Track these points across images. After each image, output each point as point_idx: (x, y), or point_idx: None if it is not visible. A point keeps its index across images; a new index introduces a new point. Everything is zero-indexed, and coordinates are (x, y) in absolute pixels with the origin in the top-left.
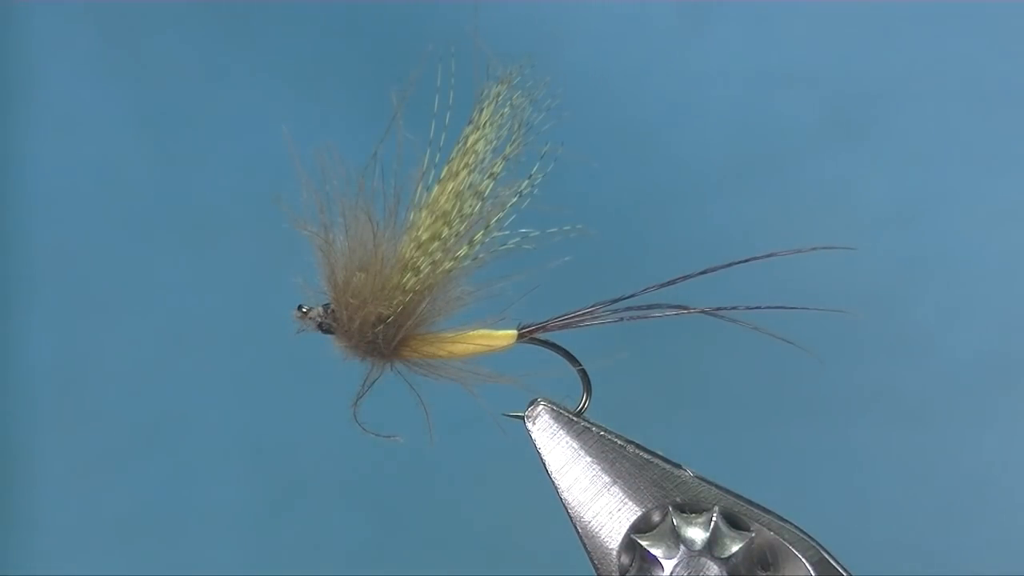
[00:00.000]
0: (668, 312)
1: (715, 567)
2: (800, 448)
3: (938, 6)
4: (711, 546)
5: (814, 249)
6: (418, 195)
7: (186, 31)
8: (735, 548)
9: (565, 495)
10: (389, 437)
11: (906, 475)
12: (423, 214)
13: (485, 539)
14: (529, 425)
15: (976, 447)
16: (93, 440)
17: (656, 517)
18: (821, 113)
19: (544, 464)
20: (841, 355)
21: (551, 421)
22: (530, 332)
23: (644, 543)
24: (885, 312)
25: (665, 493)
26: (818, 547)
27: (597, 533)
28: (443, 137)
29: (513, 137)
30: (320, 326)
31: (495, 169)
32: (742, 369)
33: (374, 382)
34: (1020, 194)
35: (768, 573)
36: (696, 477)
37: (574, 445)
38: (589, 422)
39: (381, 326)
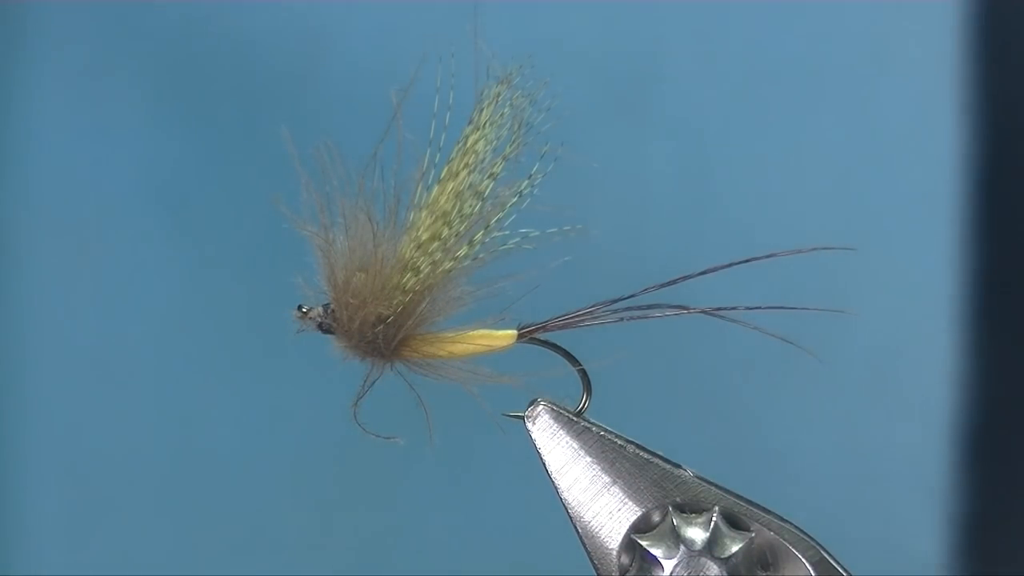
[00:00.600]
0: (668, 312)
1: (715, 567)
2: (735, 443)
3: None
4: (711, 546)
5: (814, 249)
6: (418, 195)
7: None
8: (735, 548)
9: (565, 495)
10: (389, 438)
11: (726, 464)
12: (423, 214)
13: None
14: (529, 425)
15: (772, 426)
16: (24, 433)
17: (656, 517)
18: (599, 91)
19: (544, 464)
20: (660, 346)
21: (551, 421)
22: (530, 332)
23: (644, 543)
24: (676, 289)
25: (665, 493)
26: (818, 547)
27: (597, 533)
28: (443, 137)
29: (513, 137)
30: (320, 326)
31: (495, 169)
32: (674, 362)
33: (374, 382)
34: (796, 167)
35: (768, 573)
36: (696, 477)
37: (574, 445)
38: (589, 422)
39: (381, 326)
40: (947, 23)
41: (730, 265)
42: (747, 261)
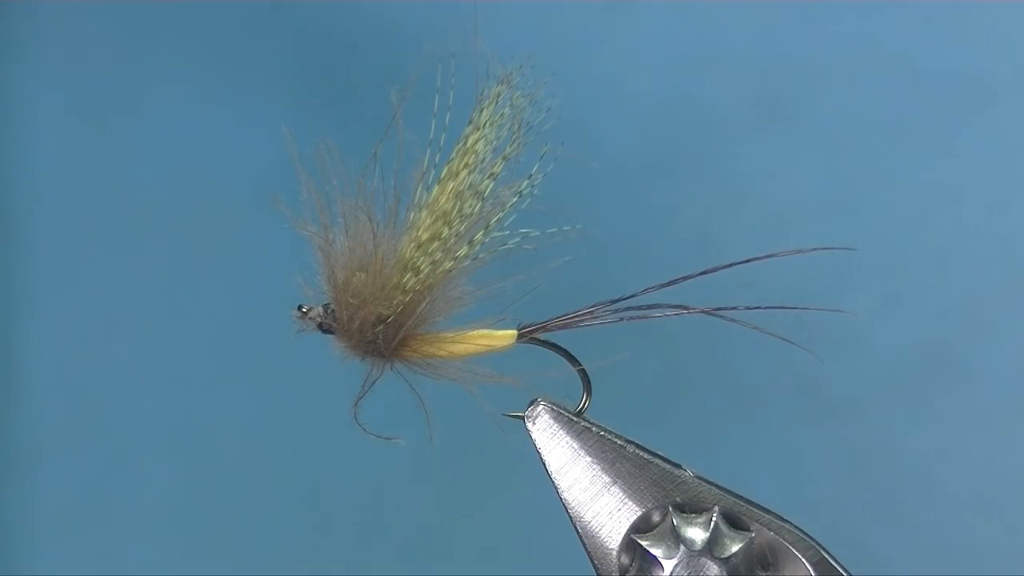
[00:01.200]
0: (668, 312)
1: (715, 567)
2: (734, 442)
3: None
4: (711, 546)
5: (814, 250)
6: (418, 195)
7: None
8: (735, 548)
9: (565, 495)
10: (390, 439)
11: (841, 470)
12: (423, 214)
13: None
14: (529, 425)
15: (909, 441)
16: (24, 429)
17: (656, 517)
18: (749, 98)
19: (544, 464)
20: (776, 348)
21: (551, 421)
22: (530, 332)
23: (644, 543)
24: (819, 302)
25: (665, 493)
26: (818, 547)
27: (597, 533)
28: (443, 137)
29: (513, 137)
30: (320, 326)
31: (495, 169)
32: (674, 362)
33: (374, 382)
34: (950, 181)
35: (768, 573)
36: (696, 477)
37: (574, 445)
38: (589, 422)
39: (381, 326)
40: None
41: (730, 265)
42: (747, 261)
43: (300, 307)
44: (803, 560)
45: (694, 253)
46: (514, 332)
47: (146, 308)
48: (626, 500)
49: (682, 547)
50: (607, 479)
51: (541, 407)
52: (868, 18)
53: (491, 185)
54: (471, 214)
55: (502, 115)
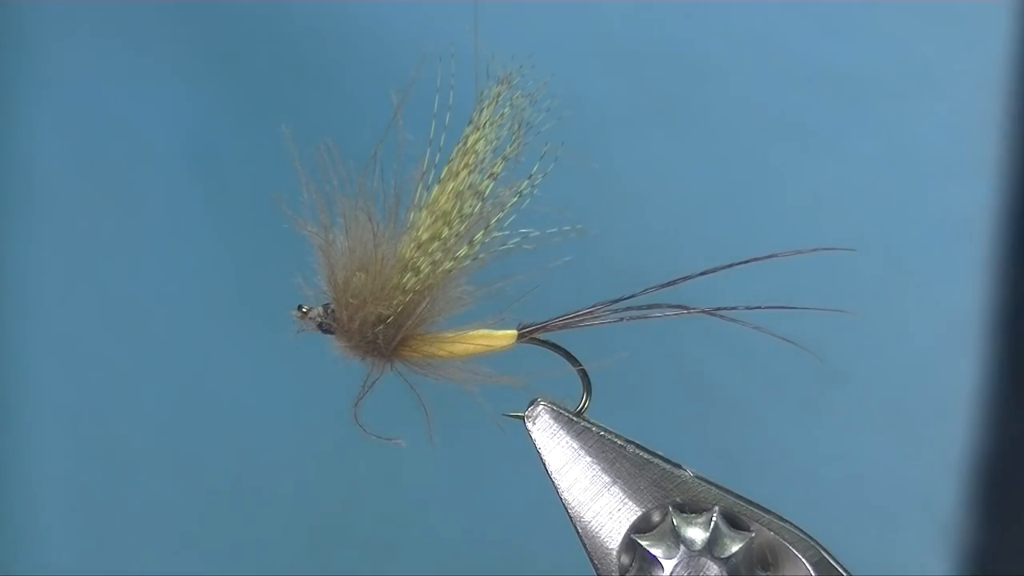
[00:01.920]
0: (668, 312)
1: (715, 567)
2: (630, 432)
3: None
4: (711, 546)
5: (815, 251)
6: (418, 195)
7: None
8: (735, 548)
9: (565, 495)
10: (391, 440)
11: (720, 466)
12: (423, 214)
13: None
14: (529, 425)
15: (789, 440)
16: (22, 428)
17: (656, 517)
18: (637, 92)
19: (544, 464)
20: (660, 346)
21: (551, 421)
22: (530, 332)
23: (644, 543)
24: (701, 300)
25: (665, 493)
26: (818, 547)
27: (597, 533)
28: (443, 137)
29: (513, 137)
30: (320, 326)
31: (495, 169)
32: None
33: (375, 383)
34: (835, 180)
35: (768, 573)
36: (696, 477)
37: (574, 445)
38: (589, 422)
39: (381, 326)
40: (996, 43)
41: (730, 266)
42: (747, 262)
43: (300, 307)
44: (803, 560)
45: (581, 250)
46: (514, 332)
47: (39, 278)
48: (626, 500)
49: (682, 547)
50: (607, 479)
51: (541, 407)
52: (758, 14)
53: (491, 185)
54: (471, 214)
55: (502, 115)
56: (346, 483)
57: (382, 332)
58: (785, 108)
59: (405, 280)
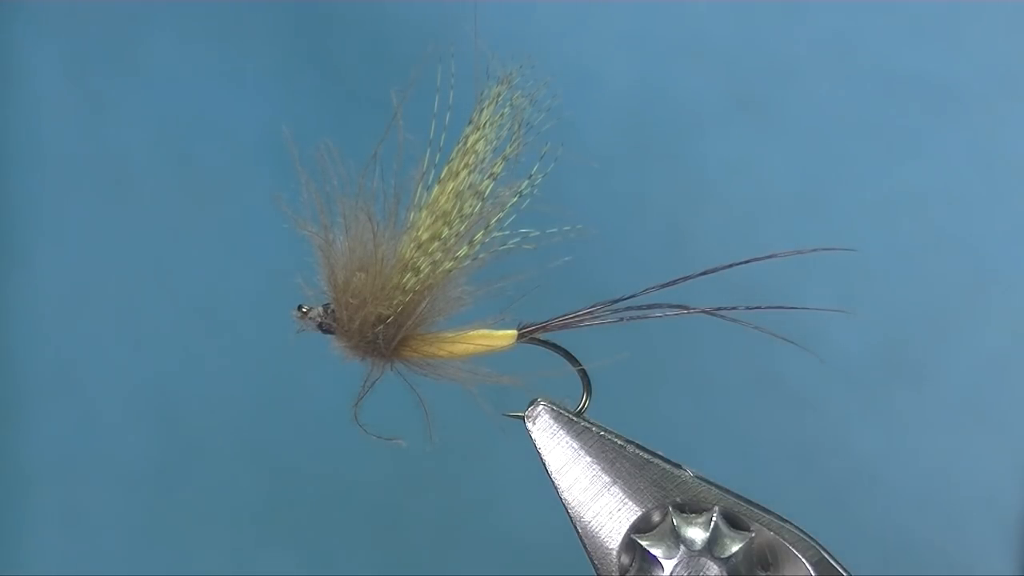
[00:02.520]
0: (668, 312)
1: (715, 567)
2: (688, 426)
3: None
4: (711, 546)
5: (815, 251)
6: (418, 195)
7: None
8: (735, 548)
9: (565, 495)
10: (391, 440)
11: (793, 461)
12: (423, 214)
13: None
14: (529, 425)
15: (862, 437)
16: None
17: (656, 517)
18: (724, 89)
19: (544, 464)
20: (730, 339)
21: (551, 421)
22: (530, 332)
23: (644, 543)
24: (775, 298)
25: (665, 493)
26: (818, 547)
27: (597, 533)
28: (443, 137)
29: (513, 137)
30: (320, 326)
31: (495, 169)
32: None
33: (375, 383)
34: (916, 183)
35: (768, 573)
36: (696, 477)
37: (574, 445)
38: (589, 422)
39: (381, 326)
40: None
41: (730, 266)
42: (747, 262)
43: (300, 307)
44: (803, 560)
45: (662, 244)
46: (514, 332)
47: (125, 269)
48: (626, 500)
49: (682, 547)
50: (607, 479)
51: (541, 407)
52: (844, 18)
53: (491, 185)
54: (471, 214)
55: (502, 115)
56: (242, 442)
57: (382, 332)
58: (868, 110)
59: (405, 280)
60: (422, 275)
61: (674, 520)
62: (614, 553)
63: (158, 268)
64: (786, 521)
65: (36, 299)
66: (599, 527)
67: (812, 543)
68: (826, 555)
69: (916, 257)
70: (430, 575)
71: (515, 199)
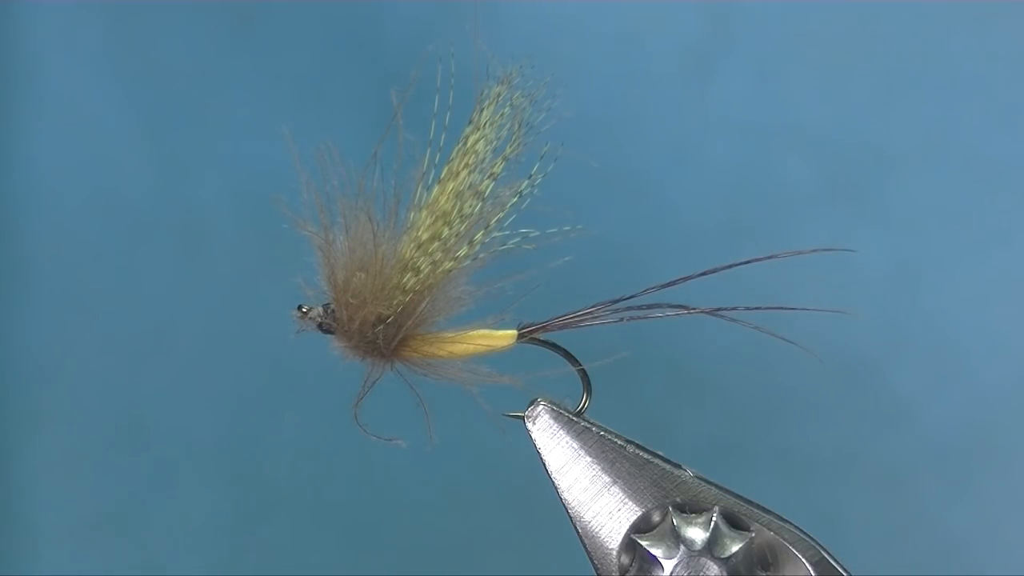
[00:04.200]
0: (669, 312)
1: (715, 567)
2: (776, 503)
3: (942, 75)
4: (711, 546)
5: (814, 251)
6: (418, 195)
7: (190, 30)
8: (735, 548)
9: (565, 495)
10: (391, 440)
11: (882, 539)
12: (423, 214)
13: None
14: (529, 425)
15: (951, 517)
16: (70, 437)
17: (656, 517)
18: (820, 173)
19: (544, 464)
20: (825, 415)
21: (551, 421)
22: (530, 332)
23: (644, 543)
24: (871, 376)
25: (665, 493)
26: (818, 547)
27: (597, 533)
28: (443, 137)
29: (513, 137)
30: (320, 326)
31: (495, 169)
32: (722, 422)
33: (375, 383)
34: (1010, 268)
35: (768, 573)
36: (696, 477)
37: (574, 445)
38: (589, 422)
39: (381, 326)
40: None
41: (730, 266)
42: (748, 262)
43: (300, 307)
44: (803, 560)
45: (759, 320)
46: (514, 332)
47: (200, 323)
48: (626, 500)
49: (682, 547)
50: (607, 479)
51: (541, 407)
52: (938, 106)
53: (491, 185)
54: (471, 214)
55: (502, 115)
56: (316, 497)
57: (382, 332)
58: (961, 198)
59: (405, 280)
60: (422, 275)
61: (674, 520)
62: (614, 553)
63: (230, 322)
64: (786, 521)
65: (107, 351)
66: (599, 527)
67: (812, 543)
68: (826, 555)
69: (1007, 341)
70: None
71: (515, 199)
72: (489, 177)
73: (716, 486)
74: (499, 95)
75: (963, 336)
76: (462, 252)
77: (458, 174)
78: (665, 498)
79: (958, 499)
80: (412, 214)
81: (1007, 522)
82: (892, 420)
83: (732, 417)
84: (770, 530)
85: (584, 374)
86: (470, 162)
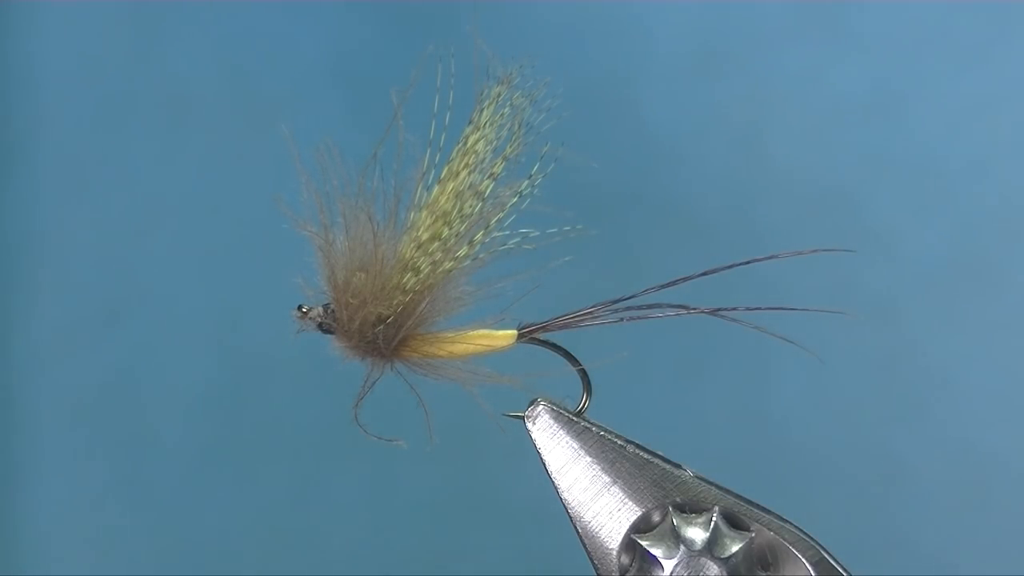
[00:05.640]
0: (669, 312)
1: (715, 567)
2: (760, 338)
3: None
4: (711, 546)
5: (815, 252)
6: (418, 195)
7: None
8: (735, 548)
9: (565, 495)
10: (391, 440)
11: (870, 370)
12: (423, 214)
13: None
14: (529, 425)
15: (940, 344)
16: (57, 315)
17: (656, 517)
18: (793, 1)
19: (544, 464)
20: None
21: (551, 421)
22: (530, 332)
23: (644, 543)
24: (852, 206)
25: (665, 493)
26: (818, 547)
27: (597, 533)
28: (443, 137)
29: (513, 137)
30: (320, 326)
31: (495, 169)
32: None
33: (375, 382)
34: (993, 89)
35: (768, 573)
36: (696, 477)
37: (574, 445)
38: (589, 422)
39: (381, 326)
40: None
41: (730, 267)
42: (748, 262)
43: (300, 307)
44: (803, 560)
45: (736, 151)
46: (514, 332)
47: (183, 197)
48: (626, 500)
49: (682, 547)
50: (607, 479)
51: (541, 407)
52: None
53: (491, 185)
54: (471, 214)
55: (502, 115)
56: (304, 367)
57: (382, 332)
58: (936, 21)
59: (405, 280)
60: (422, 275)
61: (674, 520)
62: (614, 553)
63: (216, 194)
64: (786, 521)
65: (93, 226)
66: (599, 527)
67: (812, 543)
68: (826, 555)
69: (989, 164)
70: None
71: (515, 199)
72: (489, 177)
73: (716, 486)
74: (499, 95)
75: (943, 159)
76: (462, 252)
77: (458, 174)
78: (665, 498)
79: (945, 325)
80: (412, 214)
81: (995, 345)
82: (878, 249)
83: (711, 252)
84: (770, 530)
85: (584, 374)
86: (470, 162)
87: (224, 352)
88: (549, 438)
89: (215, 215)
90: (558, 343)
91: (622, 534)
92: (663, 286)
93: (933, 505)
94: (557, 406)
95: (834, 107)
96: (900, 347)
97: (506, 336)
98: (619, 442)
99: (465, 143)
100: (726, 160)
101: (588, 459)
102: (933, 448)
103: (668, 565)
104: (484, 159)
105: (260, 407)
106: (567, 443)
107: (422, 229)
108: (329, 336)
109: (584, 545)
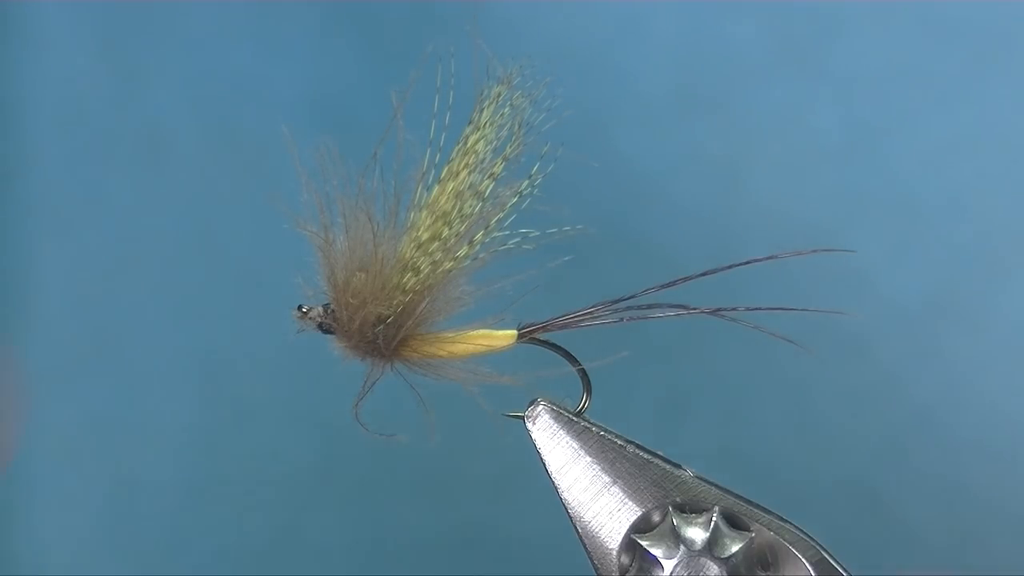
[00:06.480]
0: (669, 312)
1: (715, 567)
2: (742, 378)
3: None
4: (711, 546)
5: (815, 252)
6: (418, 195)
7: None
8: (735, 548)
9: (565, 495)
10: (390, 437)
11: (849, 409)
12: (423, 214)
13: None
14: (529, 425)
15: (918, 383)
16: (38, 355)
17: (656, 517)
18: (770, 40)
19: (544, 464)
20: (784, 289)
21: (551, 421)
22: (530, 332)
23: (644, 543)
24: (831, 242)
25: (665, 493)
26: (818, 547)
27: (597, 533)
28: (443, 137)
29: (513, 137)
30: (320, 326)
31: (495, 169)
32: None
33: (375, 382)
34: (970, 128)
35: (768, 573)
36: (696, 477)
37: (574, 445)
38: (589, 422)
39: (381, 326)
40: None
41: (730, 267)
42: (747, 263)
43: (300, 307)
44: (803, 560)
45: (714, 188)
46: (514, 332)
47: (164, 237)
48: (626, 500)
49: (682, 547)
50: (607, 479)
51: (541, 407)
52: None
53: (491, 185)
54: (471, 214)
55: (502, 115)
56: (289, 405)
57: (382, 332)
58: (915, 58)
59: (405, 280)
60: (422, 275)
61: (674, 520)
62: (614, 553)
63: (197, 233)
64: (786, 521)
65: (74, 267)
66: (599, 527)
67: (812, 543)
68: (826, 555)
69: (967, 202)
70: (478, 524)
71: (515, 199)
72: (489, 177)
73: (716, 486)
74: (499, 95)
75: (921, 198)
76: (462, 252)
77: (458, 174)
78: (665, 498)
79: (924, 363)
80: (412, 214)
81: (975, 384)
82: (855, 289)
83: (689, 289)
84: (770, 530)
85: (584, 374)
86: (470, 162)
87: (207, 392)
88: (549, 438)
89: (197, 253)
90: (558, 343)
91: (622, 534)
92: (663, 286)
93: (916, 543)
94: (557, 406)
95: (811, 145)
96: (879, 384)
97: (506, 336)
98: (619, 442)
99: (465, 143)
100: (703, 198)
101: (588, 459)
102: (915, 486)
103: (668, 565)
104: (484, 159)
105: (244, 448)
106: (567, 443)
107: (422, 229)
108: (329, 336)
109: (584, 545)
